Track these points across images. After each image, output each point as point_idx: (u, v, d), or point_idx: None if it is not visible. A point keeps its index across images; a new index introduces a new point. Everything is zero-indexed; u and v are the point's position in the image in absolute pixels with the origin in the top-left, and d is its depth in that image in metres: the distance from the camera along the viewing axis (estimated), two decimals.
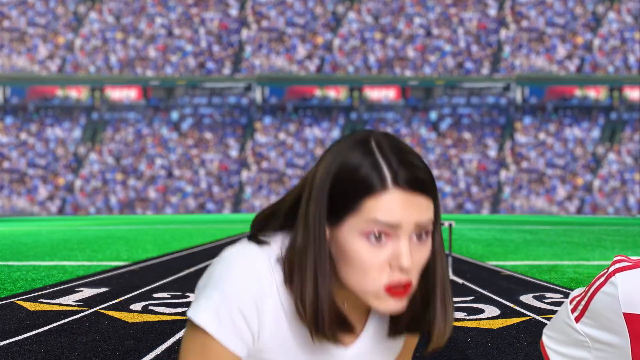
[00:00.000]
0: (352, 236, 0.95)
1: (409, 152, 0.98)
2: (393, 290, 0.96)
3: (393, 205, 0.93)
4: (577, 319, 1.21)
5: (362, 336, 1.08)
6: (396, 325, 1.07)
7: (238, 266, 1.00)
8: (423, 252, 0.98)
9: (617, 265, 1.19)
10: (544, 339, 1.28)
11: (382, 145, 0.97)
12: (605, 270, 1.23)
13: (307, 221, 0.99)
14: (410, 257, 0.95)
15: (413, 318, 1.05)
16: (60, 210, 47.03)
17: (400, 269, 0.95)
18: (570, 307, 1.23)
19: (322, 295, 0.97)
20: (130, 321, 5.40)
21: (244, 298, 0.99)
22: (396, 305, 0.97)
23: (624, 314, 1.15)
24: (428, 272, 1.03)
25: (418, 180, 0.95)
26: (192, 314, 1.04)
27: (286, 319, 1.02)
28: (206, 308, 1.00)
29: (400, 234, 0.95)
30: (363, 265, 0.95)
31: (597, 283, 1.20)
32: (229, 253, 1.03)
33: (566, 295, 6.85)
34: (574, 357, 1.23)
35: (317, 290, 0.97)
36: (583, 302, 1.20)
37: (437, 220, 1.02)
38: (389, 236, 0.95)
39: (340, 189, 0.96)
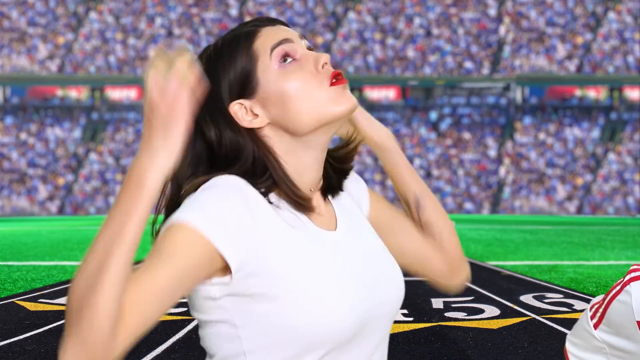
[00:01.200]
0: (271, 76, 1.04)
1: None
2: (337, 79, 1.04)
3: (273, 31, 1.06)
4: (596, 326, 1.23)
5: (338, 219, 1.12)
6: (330, 184, 1.14)
7: (217, 183, 1.01)
8: None
9: (633, 274, 1.21)
10: (567, 344, 1.30)
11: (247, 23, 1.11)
12: (622, 278, 1.24)
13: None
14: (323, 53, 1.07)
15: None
16: (60, 210, 46.97)
17: (326, 64, 1.05)
18: (589, 313, 1.25)
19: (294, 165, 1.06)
20: None
21: (231, 197, 0.99)
22: (350, 97, 1.04)
23: (637, 322, 1.17)
24: None
25: (279, 20, 1.10)
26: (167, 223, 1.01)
27: (275, 212, 1.04)
28: (186, 210, 0.99)
29: (298, 48, 1.06)
30: (300, 81, 1.03)
31: (614, 291, 1.22)
32: (202, 187, 1.03)
33: (566, 295, 6.86)
34: None
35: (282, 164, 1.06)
36: (601, 310, 1.23)
37: None
38: (295, 55, 1.05)
39: (238, 68, 1.05)
